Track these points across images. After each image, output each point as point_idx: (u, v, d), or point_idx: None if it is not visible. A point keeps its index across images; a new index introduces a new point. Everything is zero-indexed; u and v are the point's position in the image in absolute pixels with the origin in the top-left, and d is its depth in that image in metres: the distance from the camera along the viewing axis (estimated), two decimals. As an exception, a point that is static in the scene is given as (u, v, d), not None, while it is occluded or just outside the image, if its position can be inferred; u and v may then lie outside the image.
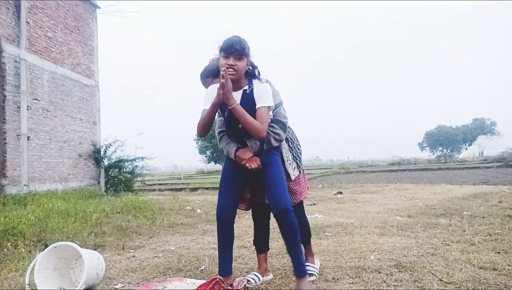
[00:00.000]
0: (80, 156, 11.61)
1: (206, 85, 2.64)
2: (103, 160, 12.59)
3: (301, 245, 2.46)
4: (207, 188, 15.39)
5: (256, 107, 2.34)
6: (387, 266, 2.94)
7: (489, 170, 24.97)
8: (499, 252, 3.27)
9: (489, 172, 21.61)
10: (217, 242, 2.56)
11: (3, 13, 8.90)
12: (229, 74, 2.21)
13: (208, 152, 54.36)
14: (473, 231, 4.19)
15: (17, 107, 9.17)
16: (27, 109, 9.47)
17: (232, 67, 2.24)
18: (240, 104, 2.29)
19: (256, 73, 2.45)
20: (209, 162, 58.88)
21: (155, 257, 3.62)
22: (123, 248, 4.07)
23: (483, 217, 5.08)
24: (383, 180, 18.03)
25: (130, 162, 13.43)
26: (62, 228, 4.77)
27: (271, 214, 2.53)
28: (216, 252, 3.63)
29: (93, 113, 12.44)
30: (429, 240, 3.83)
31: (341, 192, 10.20)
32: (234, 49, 2.24)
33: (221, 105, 2.34)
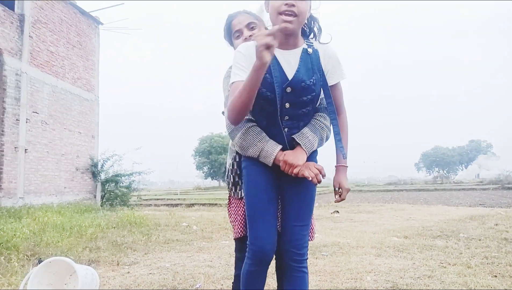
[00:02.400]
0: (77, 169, 11.57)
1: (236, 20, 1.88)
2: (100, 174, 12.55)
3: None
4: (203, 204, 15.30)
5: (333, 83, 1.70)
6: (383, 288, 2.93)
7: (485, 192, 25.00)
8: (496, 276, 3.26)
9: (485, 194, 21.63)
10: None
11: (6, 26, 9.03)
12: (286, 20, 1.52)
13: (205, 168, 54.33)
14: (470, 254, 4.19)
15: (16, 120, 9.19)
16: (26, 122, 9.49)
17: (292, 9, 1.52)
18: (299, 67, 1.62)
19: (316, 29, 1.72)
20: (205, 178, 58.75)
21: (150, 274, 3.58)
22: (118, 264, 4.03)
23: (479, 240, 5.07)
24: (380, 199, 18.01)
25: (127, 176, 13.38)
26: (57, 242, 4.72)
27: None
28: (212, 270, 3.62)
29: (92, 127, 12.46)
30: (425, 262, 3.82)
31: (337, 211, 10.17)
32: None
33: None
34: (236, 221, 1.98)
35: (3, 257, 3.89)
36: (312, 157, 1.72)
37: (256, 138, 1.65)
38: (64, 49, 11.15)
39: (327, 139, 1.76)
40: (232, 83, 1.60)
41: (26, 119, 9.50)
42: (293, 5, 1.52)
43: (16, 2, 9.60)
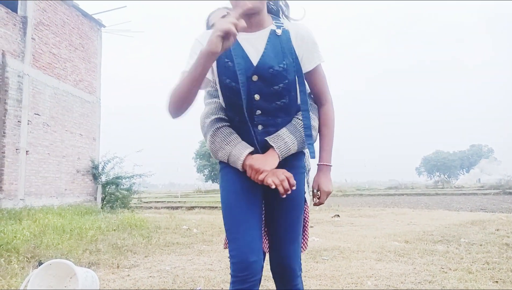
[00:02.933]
0: (78, 171, 11.59)
1: (211, 22, 1.73)
2: (101, 176, 12.55)
3: None
4: (204, 207, 15.28)
5: (310, 68, 1.45)
6: (384, 292, 2.92)
7: (486, 196, 24.94)
8: (497, 281, 3.25)
9: (486, 199, 21.58)
10: None
11: (9, 28, 9.06)
12: None
13: (206, 171, 54.32)
14: (471, 259, 4.17)
15: (18, 121, 9.21)
16: (28, 124, 9.51)
17: None
18: (266, 50, 1.38)
19: (282, 5, 1.48)
20: (206, 181, 58.74)
21: (150, 277, 3.58)
22: (118, 267, 4.02)
23: (480, 245, 5.06)
24: (380, 204, 17.98)
25: (127, 179, 13.39)
26: (57, 244, 4.72)
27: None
28: (212, 274, 3.61)
29: (93, 129, 12.48)
30: (426, 267, 3.81)
31: (338, 215, 10.15)
32: None
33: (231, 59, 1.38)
34: None
35: (3, 259, 3.89)
36: (298, 160, 1.53)
37: (224, 141, 1.46)
38: (66, 51, 11.19)
39: (313, 140, 1.51)
40: (182, 72, 1.37)
41: (28, 121, 9.52)
42: None
43: (19, 4, 9.65)
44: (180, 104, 1.32)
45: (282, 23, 1.44)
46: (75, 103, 11.52)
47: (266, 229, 1.61)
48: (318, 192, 1.51)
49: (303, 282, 1.67)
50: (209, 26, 1.76)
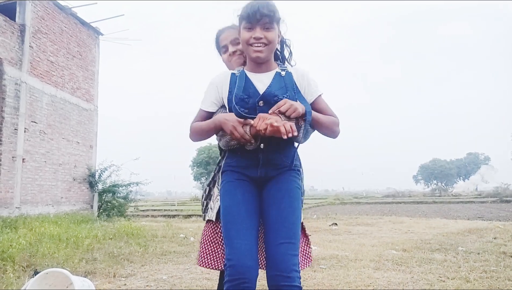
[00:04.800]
0: (74, 179, 11.53)
1: (223, 35, 1.95)
2: (97, 184, 12.49)
3: None
4: (201, 215, 15.19)
5: (312, 99, 1.68)
6: (382, 301, 2.91)
7: (484, 205, 24.98)
8: (494, 290, 3.25)
9: (484, 207, 21.61)
10: None
11: (7, 36, 9.08)
12: (256, 51, 1.60)
13: (203, 179, 54.18)
14: (469, 268, 4.17)
15: (15, 129, 9.18)
16: (24, 131, 9.48)
17: (260, 41, 1.59)
18: (272, 84, 1.64)
19: (287, 54, 1.77)
20: (203, 189, 58.49)
21: (147, 286, 3.55)
22: (114, 276, 3.99)
23: (478, 253, 5.05)
24: (378, 212, 17.96)
25: (124, 187, 13.33)
26: (53, 253, 4.68)
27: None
28: (209, 283, 3.59)
29: (90, 137, 12.45)
30: (424, 276, 3.80)
31: (336, 223, 10.13)
32: (261, 15, 1.58)
33: (241, 102, 1.62)
34: (201, 247, 1.82)
35: (-2, 268, 3.85)
36: (291, 177, 1.65)
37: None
38: (64, 59, 11.20)
39: (305, 137, 1.66)
40: (199, 109, 1.73)
41: (25, 128, 9.49)
42: (261, 38, 1.59)
43: (17, 12, 9.68)
44: (199, 139, 1.74)
45: (286, 67, 1.71)
46: (72, 111, 11.51)
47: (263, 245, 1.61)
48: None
49: None
50: (219, 46, 1.98)
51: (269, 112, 1.54)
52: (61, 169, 10.89)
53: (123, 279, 3.89)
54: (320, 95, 1.70)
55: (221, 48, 1.99)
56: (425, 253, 5.24)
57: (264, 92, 1.61)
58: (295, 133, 1.50)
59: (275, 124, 1.47)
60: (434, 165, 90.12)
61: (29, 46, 9.75)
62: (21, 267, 4.01)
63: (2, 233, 5.66)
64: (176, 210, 20.75)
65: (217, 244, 1.77)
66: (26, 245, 4.78)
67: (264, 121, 1.49)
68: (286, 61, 1.77)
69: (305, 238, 1.83)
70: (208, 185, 1.96)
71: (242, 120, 1.54)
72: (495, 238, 6.53)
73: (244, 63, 1.80)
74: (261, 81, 1.65)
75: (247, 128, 1.54)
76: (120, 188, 13.23)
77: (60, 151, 10.86)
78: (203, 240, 1.82)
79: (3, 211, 8.65)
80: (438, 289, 3.26)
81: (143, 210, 19.10)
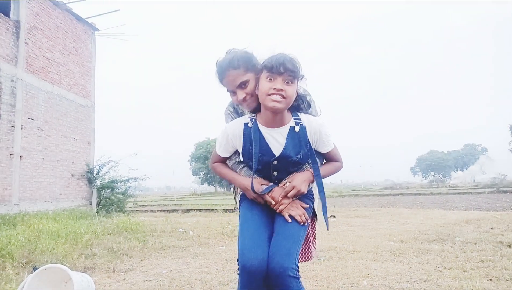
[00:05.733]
0: (72, 176, 11.52)
1: (226, 80, 1.84)
2: (96, 180, 12.48)
3: None
4: (199, 210, 15.26)
5: (324, 152, 1.85)
6: (380, 292, 2.93)
7: (481, 195, 25.11)
8: (491, 279, 3.28)
9: (481, 198, 21.72)
10: None
11: (2, 33, 9.02)
12: (274, 100, 1.65)
13: (202, 174, 54.23)
14: (466, 258, 4.20)
15: (11, 126, 9.15)
16: (21, 128, 9.45)
17: (280, 93, 1.65)
18: (286, 144, 1.75)
19: (304, 104, 1.83)
20: (202, 184, 58.64)
21: (146, 280, 3.57)
22: (114, 271, 4.01)
23: (475, 243, 5.09)
24: (376, 204, 18.04)
25: (123, 182, 13.33)
26: (52, 249, 4.69)
27: None
28: (208, 276, 3.61)
29: (88, 133, 12.42)
30: (421, 266, 3.83)
31: (334, 216, 10.17)
32: (285, 69, 1.64)
33: (248, 148, 1.79)
34: None
35: (-3, 264, 3.85)
36: (304, 198, 1.83)
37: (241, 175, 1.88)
38: (60, 55, 11.14)
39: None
40: (215, 153, 1.92)
41: (22, 125, 9.46)
42: (281, 90, 1.65)
43: (11, 8, 9.60)
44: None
45: (300, 119, 1.78)
46: (69, 107, 11.46)
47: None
48: (287, 183, 1.76)
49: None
50: (221, 79, 1.86)
51: (278, 198, 1.74)
52: (59, 165, 10.88)
53: (122, 273, 3.91)
54: (331, 150, 1.85)
55: (228, 91, 1.90)
56: (422, 243, 5.28)
57: (279, 155, 1.75)
58: (307, 222, 1.77)
59: (291, 213, 1.72)
60: (432, 157, 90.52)
61: (25, 43, 9.68)
62: (20, 264, 4.02)
63: (0, 230, 5.67)
64: (175, 205, 20.78)
65: None
66: (25, 242, 4.79)
67: (279, 205, 1.74)
68: (303, 112, 1.83)
69: (313, 236, 2.04)
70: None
71: (260, 193, 1.75)
72: (492, 228, 6.58)
73: (257, 107, 1.79)
74: (276, 139, 1.75)
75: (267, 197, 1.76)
76: (119, 183, 13.23)
77: (58, 148, 10.84)
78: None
79: (2, 209, 8.65)
80: (435, 279, 3.29)
81: (142, 206, 19.11)
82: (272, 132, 1.75)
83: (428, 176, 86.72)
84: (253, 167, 1.77)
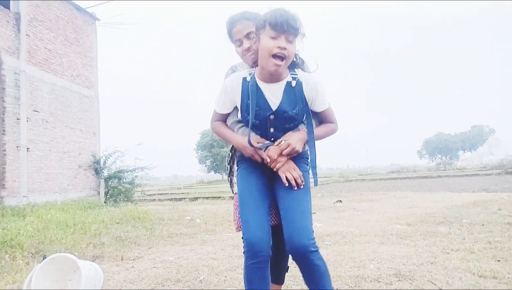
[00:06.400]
0: (79, 167, 11.61)
1: (236, 28, 1.95)
2: (103, 170, 12.59)
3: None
4: (207, 198, 15.36)
5: (318, 111, 1.85)
6: (386, 275, 2.93)
7: (488, 177, 24.96)
8: (499, 260, 3.26)
9: (488, 180, 21.59)
10: None
11: (3, 25, 8.99)
12: (276, 64, 1.66)
13: (208, 162, 54.47)
14: (473, 239, 4.18)
15: (17, 119, 9.20)
16: (27, 121, 9.50)
17: (283, 52, 1.64)
18: (283, 99, 1.76)
19: (298, 60, 1.82)
20: (209, 172, 58.94)
21: (154, 267, 3.60)
22: (122, 259, 4.05)
23: (482, 225, 5.07)
24: (383, 188, 18.02)
25: (129, 172, 13.44)
26: (61, 239, 4.75)
27: None
28: (215, 263, 3.64)
29: (93, 124, 12.47)
30: (428, 249, 3.82)
31: (340, 201, 10.18)
32: (289, 26, 1.62)
33: (246, 108, 1.80)
34: (236, 215, 2.08)
35: (7, 255, 3.92)
36: (299, 162, 1.83)
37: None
38: (61, 46, 11.11)
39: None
40: (215, 112, 1.95)
41: (27, 118, 9.50)
42: (285, 48, 1.64)
43: (11, 0, 9.55)
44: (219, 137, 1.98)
45: (297, 74, 1.79)
46: (74, 98, 11.48)
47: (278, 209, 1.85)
48: (283, 141, 1.77)
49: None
50: (232, 38, 1.98)
51: (274, 156, 1.74)
52: (66, 157, 10.96)
53: (130, 261, 3.95)
54: (326, 109, 1.85)
55: (235, 41, 1.98)
56: (429, 226, 5.26)
57: (276, 110, 1.76)
58: (301, 187, 1.76)
59: (287, 175, 1.74)
60: (439, 139, 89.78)
61: (26, 35, 9.66)
62: (30, 254, 4.09)
63: (10, 221, 5.75)
64: (182, 193, 20.95)
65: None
66: (34, 232, 4.85)
67: (275, 164, 1.75)
68: (299, 68, 1.82)
69: None
70: (229, 163, 2.12)
71: (257, 147, 1.77)
72: (499, 209, 6.54)
73: (256, 62, 1.82)
74: (273, 94, 1.76)
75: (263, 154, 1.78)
76: (126, 173, 13.35)
77: (64, 139, 10.90)
78: (235, 209, 2.07)
79: (11, 200, 8.76)
80: (442, 261, 3.28)
81: (149, 195, 19.29)
82: (269, 87, 1.76)
83: (435, 159, 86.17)
84: (250, 121, 1.77)
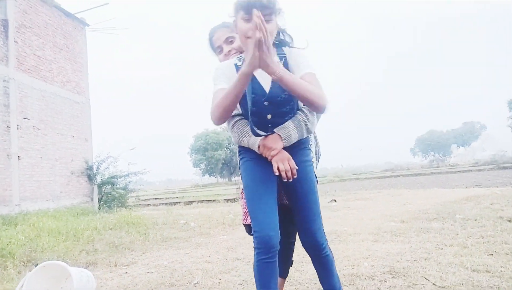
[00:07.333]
0: (72, 173, 11.51)
1: (215, 36, 2.03)
2: (96, 176, 12.49)
3: (334, 275, 1.90)
4: (201, 201, 15.30)
5: (299, 75, 1.68)
6: (380, 272, 2.93)
7: (481, 173, 25.21)
8: (492, 254, 3.27)
9: (481, 175, 21.80)
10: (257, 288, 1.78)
11: (-9, 33, 8.89)
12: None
13: (202, 165, 54.27)
14: (466, 234, 4.21)
15: (7, 127, 9.10)
16: (17, 128, 9.40)
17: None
18: (273, 82, 1.68)
19: (287, 38, 1.77)
20: (203, 175, 58.72)
21: (148, 272, 3.57)
22: (116, 265, 4.01)
23: (475, 220, 5.10)
24: (377, 186, 18.11)
25: (123, 178, 13.35)
26: (53, 247, 4.70)
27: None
28: (210, 266, 3.62)
29: (84, 130, 12.37)
30: (422, 245, 3.84)
31: (335, 200, 10.21)
32: (261, 5, 1.56)
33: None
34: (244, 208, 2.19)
35: (-2, 264, 3.86)
36: (303, 157, 1.83)
37: (241, 131, 1.81)
38: (51, 52, 11.02)
39: (307, 130, 1.82)
40: (216, 91, 1.74)
41: (17, 125, 9.40)
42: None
43: (-2, 7, 9.46)
44: (225, 114, 1.64)
45: (284, 53, 1.73)
46: (64, 104, 11.39)
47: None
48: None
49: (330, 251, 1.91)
50: (214, 48, 2.05)
51: (270, 144, 1.73)
52: (58, 164, 10.86)
53: (124, 267, 3.92)
54: (308, 72, 1.69)
55: (216, 49, 2.06)
56: (423, 223, 5.29)
57: (268, 95, 1.72)
58: (294, 177, 1.74)
59: (280, 165, 1.72)
60: (431, 137, 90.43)
61: (14, 41, 9.56)
62: (21, 262, 4.03)
63: (1, 230, 5.67)
64: (177, 197, 20.85)
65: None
66: (26, 241, 4.79)
67: (269, 152, 1.73)
68: (288, 46, 1.77)
69: None
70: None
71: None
72: (492, 203, 6.59)
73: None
74: (263, 77, 1.68)
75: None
76: (119, 179, 13.26)
77: (55, 146, 10.80)
78: (244, 203, 2.12)
79: (3, 209, 8.65)
80: (436, 257, 3.29)
81: (144, 200, 19.17)
82: (259, 71, 1.63)
83: (428, 156, 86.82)
84: (248, 106, 1.72)
